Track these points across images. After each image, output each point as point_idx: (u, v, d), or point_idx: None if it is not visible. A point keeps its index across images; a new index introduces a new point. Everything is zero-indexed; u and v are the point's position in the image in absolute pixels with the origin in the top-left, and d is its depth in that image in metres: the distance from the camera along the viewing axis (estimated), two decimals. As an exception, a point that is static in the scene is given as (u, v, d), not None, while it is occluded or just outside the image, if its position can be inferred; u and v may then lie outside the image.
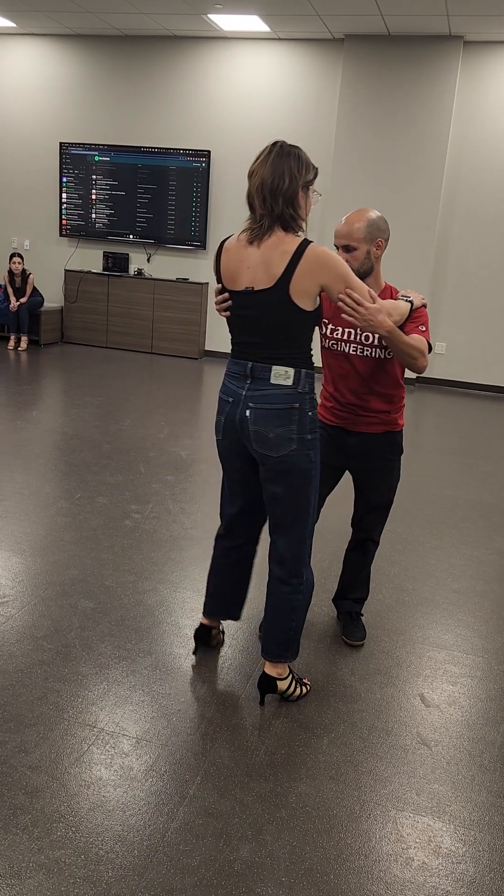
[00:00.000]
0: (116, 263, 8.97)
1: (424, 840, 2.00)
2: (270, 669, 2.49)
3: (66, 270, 9.10)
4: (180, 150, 8.45)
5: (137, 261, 9.04)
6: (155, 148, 8.53)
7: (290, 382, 2.24)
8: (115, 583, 3.26)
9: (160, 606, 3.08)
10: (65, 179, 8.94)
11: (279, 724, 2.43)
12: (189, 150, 8.42)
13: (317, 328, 2.37)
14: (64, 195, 9.00)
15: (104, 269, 9.02)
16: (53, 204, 9.17)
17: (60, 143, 8.82)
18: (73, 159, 8.84)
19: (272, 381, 2.25)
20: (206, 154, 8.36)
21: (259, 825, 2.01)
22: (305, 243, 2.15)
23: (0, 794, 2.04)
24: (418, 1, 6.25)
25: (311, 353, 2.32)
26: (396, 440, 2.76)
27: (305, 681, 2.61)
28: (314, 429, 2.33)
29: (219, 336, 8.94)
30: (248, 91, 8.18)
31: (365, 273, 2.50)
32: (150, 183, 8.64)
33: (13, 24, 8.25)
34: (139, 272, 8.93)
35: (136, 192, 8.72)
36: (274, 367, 2.25)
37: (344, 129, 7.79)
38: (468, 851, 1.98)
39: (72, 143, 8.79)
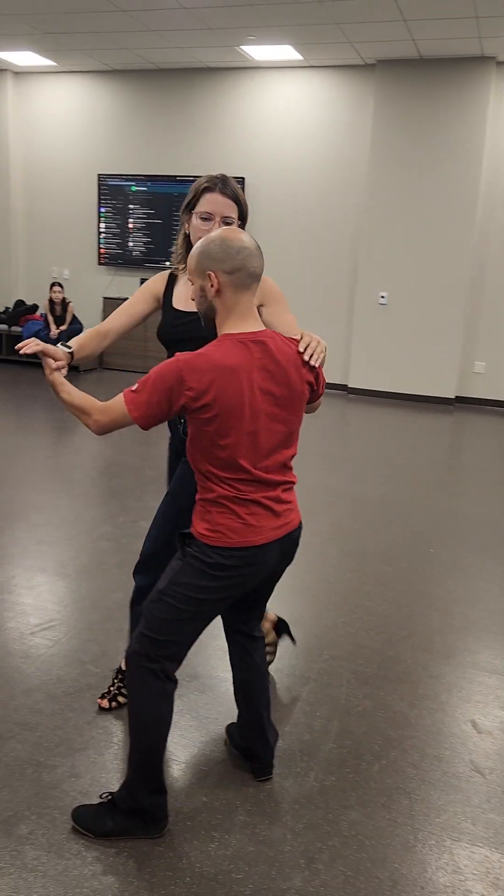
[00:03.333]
0: (153, 290, 9.09)
1: (482, 872, 1.95)
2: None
3: (104, 298, 9.27)
4: (215, 177, 8.57)
5: (174, 287, 9.15)
6: (190, 176, 8.68)
7: None
8: (160, 607, 3.27)
9: (204, 630, 3.08)
10: (103, 210, 9.14)
11: (328, 751, 2.40)
12: (224, 177, 8.54)
13: None
14: (102, 225, 9.19)
15: (141, 296, 9.15)
16: (92, 234, 9.36)
17: (99, 175, 9.03)
18: (111, 190, 9.04)
19: None
20: (241, 181, 8.48)
21: (311, 854, 1.98)
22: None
23: (53, 819, 2.04)
24: (450, 24, 6.30)
25: None
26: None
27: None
28: None
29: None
30: (281, 118, 8.29)
31: (206, 317, 1.93)
32: (186, 211, 8.77)
33: (54, 63, 8.51)
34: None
35: (172, 219, 8.87)
36: None
37: (377, 152, 7.84)
38: (528, 884, 1.92)
39: (110, 175, 8.99)
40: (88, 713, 2.51)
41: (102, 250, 9.27)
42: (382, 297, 8.14)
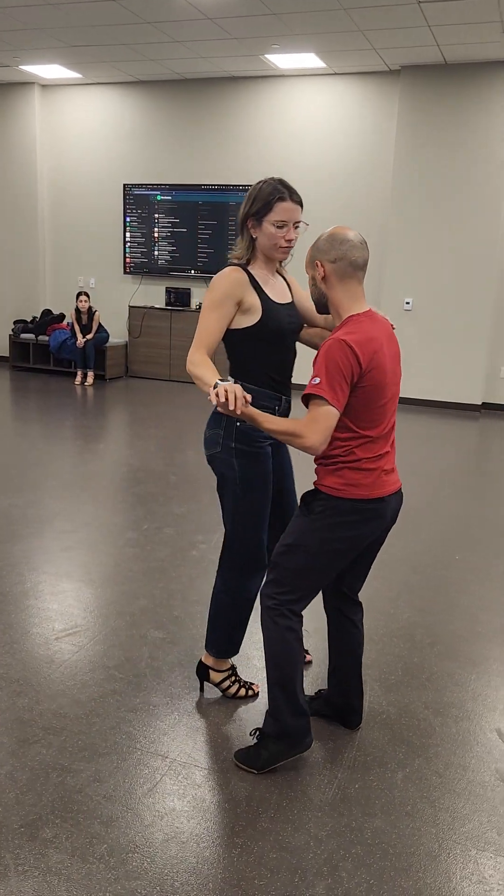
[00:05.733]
0: (178, 298, 9.17)
1: (508, 882, 1.92)
2: (206, 658, 2.68)
3: (130, 306, 9.35)
4: (239, 185, 8.63)
5: (199, 295, 9.21)
6: (214, 185, 8.73)
7: None
8: (184, 613, 3.28)
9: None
10: (128, 219, 9.23)
11: (351, 758, 2.38)
12: (248, 185, 8.59)
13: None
14: (128, 234, 9.28)
15: (167, 304, 9.23)
16: (118, 243, 9.46)
17: (124, 185, 9.12)
18: (137, 199, 9.13)
19: None
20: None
21: (334, 861, 1.97)
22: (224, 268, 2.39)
23: (77, 823, 2.06)
24: (474, 29, 6.28)
25: (256, 370, 2.41)
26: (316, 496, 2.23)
27: (254, 686, 2.71)
28: (245, 441, 2.38)
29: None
30: (305, 126, 8.31)
31: (319, 302, 2.25)
32: (211, 219, 8.84)
33: (79, 75, 8.64)
34: (204, 311, 9.09)
35: (197, 228, 8.92)
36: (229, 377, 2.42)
37: (402, 158, 7.82)
38: None
39: (135, 185, 9.09)
40: (112, 718, 2.52)
41: (128, 259, 9.35)
42: (408, 303, 8.11)
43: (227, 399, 2.00)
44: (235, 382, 2.31)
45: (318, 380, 2.03)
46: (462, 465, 5.97)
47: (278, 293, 2.45)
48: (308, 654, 2.96)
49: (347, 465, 2.15)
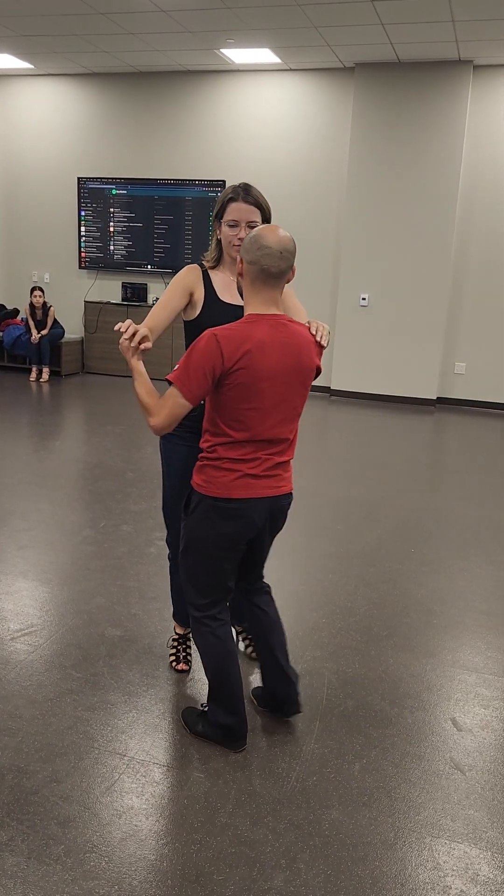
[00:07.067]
0: (135, 293, 9.09)
1: (461, 867, 1.96)
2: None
3: (85, 302, 9.24)
4: (195, 180, 8.59)
5: (156, 290, 9.15)
6: (170, 180, 8.68)
7: None
8: (142, 610, 3.26)
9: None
10: (83, 213, 9.11)
11: (310, 751, 2.41)
12: (204, 180, 8.56)
13: None
14: (83, 229, 9.16)
15: (123, 300, 9.14)
16: (72, 237, 9.33)
17: (78, 179, 9.01)
18: (92, 193, 9.02)
19: None
20: (222, 184, 8.49)
21: (293, 853, 1.99)
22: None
23: (33, 824, 2.03)
24: (427, 29, 6.35)
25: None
26: (190, 495, 2.31)
27: (177, 666, 2.84)
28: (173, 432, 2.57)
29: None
30: (261, 121, 8.31)
31: (241, 294, 2.27)
32: (167, 214, 8.78)
33: (31, 66, 8.48)
34: (157, 301, 9.03)
35: (153, 223, 8.86)
36: None
37: (356, 155, 7.88)
38: (507, 879, 1.94)
39: (89, 178, 8.97)
40: (69, 718, 2.50)
41: (83, 254, 9.24)
42: (363, 298, 8.18)
43: (125, 331, 2.15)
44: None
45: (177, 366, 2.10)
46: (417, 458, 6.05)
47: (235, 293, 2.51)
48: (250, 647, 2.97)
49: (210, 462, 2.18)
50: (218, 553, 2.25)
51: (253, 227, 2.39)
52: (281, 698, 2.51)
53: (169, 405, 2.10)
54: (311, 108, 8.12)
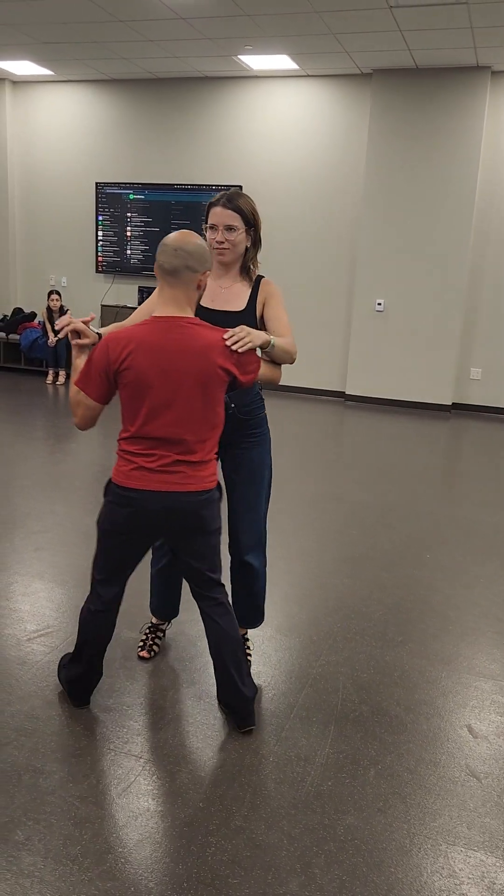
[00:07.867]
0: (151, 298, 9.13)
1: (478, 876, 1.96)
2: None
3: (102, 305, 9.29)
4: (212, 185, 8.63)
5: (172, 295, 9.18)
6: (187, 185, 8.72)
7: None
8: (157, 613, 3.27)
9: (202, 637, 3.09)
10: (101, 218, 9.17)
11: (324, 756, 2.41)
12: (221, 185, 8.59)
13: None
14: (100, 233, 9.22)
15: (139, 304, 9.19)
16: (90, 242, 9.40)
17: (96, 184, 9.07)
18: (109, 198, 9.08)
19: None
20: (238, 189, 8.51)
21: (307, 858, 1.99)
22: None
23: (50, 825, 2.05)
24: (445, 35, 6.35)
25: None
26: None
27: (141, 653, 2.92)
28: None
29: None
30: (278, 127, 8.34)
31: None
32: (184, 218, 8.82)
33: (51, 73, 8.56)
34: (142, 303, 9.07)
35: (170, 227, 8.90)
36: None
37: (374, 161, 7.89)
38: (523, 887, 1.93)
39: (107, 183, 9.03)
40: (85, 719, 2.52)
41: (100, 258, 9.30)
42: (379, 304, 8.17)
43: (62, 325, 2.37)
44: (98, 334, 2.47)
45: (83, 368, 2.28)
46: (432, 464, 6.04)
47: (221, 299, 2.55)
48: (142, 650, 2.94)
49: (119, 450, 2.32)
50: (112, 538, 2.35)
51: (231, 231, 2.47)
52: (234, 710, 2.50)
53: (82, 406, 2.29)
54: (329, 114, 8.13)
